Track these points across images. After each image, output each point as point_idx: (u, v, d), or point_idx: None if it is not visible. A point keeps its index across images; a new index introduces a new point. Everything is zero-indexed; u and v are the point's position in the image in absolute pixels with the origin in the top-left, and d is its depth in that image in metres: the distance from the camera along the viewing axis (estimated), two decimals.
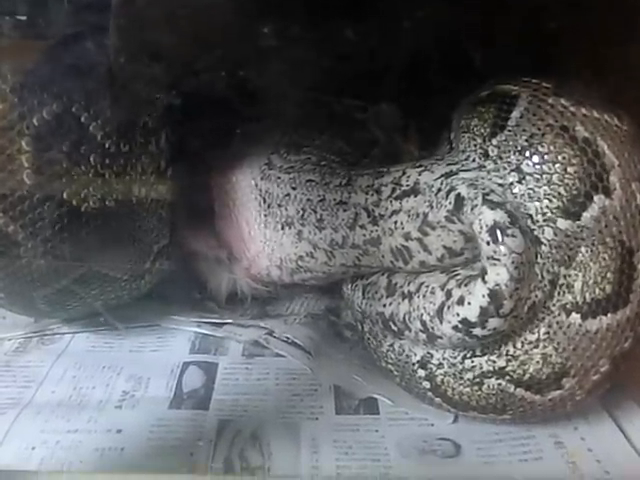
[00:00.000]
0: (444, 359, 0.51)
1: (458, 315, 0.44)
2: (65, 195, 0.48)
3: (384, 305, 0.53)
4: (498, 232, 0.42)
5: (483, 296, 0.43)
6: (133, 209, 0.53)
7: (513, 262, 0.42)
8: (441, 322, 0.46)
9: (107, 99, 0.49)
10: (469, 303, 0.44)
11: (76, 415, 0.53)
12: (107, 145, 0.49)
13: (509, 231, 0.42)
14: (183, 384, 0.57)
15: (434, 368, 0.51)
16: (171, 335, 0.64)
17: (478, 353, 0.49)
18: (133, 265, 0.56)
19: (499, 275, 0.42)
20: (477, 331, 0.44)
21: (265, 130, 0.64)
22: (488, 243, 0.42)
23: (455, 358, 0.50)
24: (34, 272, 0.51)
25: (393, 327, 0.52)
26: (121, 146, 0.50)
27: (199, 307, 0.66)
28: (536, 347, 0.46)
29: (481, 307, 0.43)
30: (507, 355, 0.47)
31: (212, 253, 0.63)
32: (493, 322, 0.43)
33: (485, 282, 0.42)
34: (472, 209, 0.43)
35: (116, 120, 0.50)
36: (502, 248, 0.42)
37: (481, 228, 0.42)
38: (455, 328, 0.45)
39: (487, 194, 0.43)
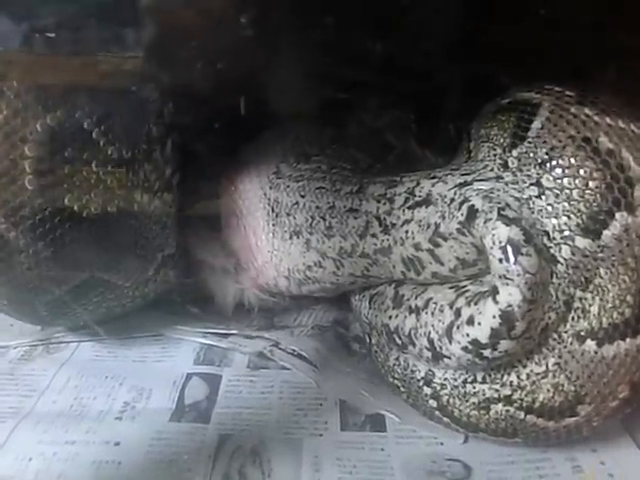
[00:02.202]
0: (446, 380, 0.48)
1: (468, 335, 0.41)
2: (67, 201, 0.46)
3: (390, 317, 0.51)
4: (512, 250, 0.39)
5: (494, 317, 0.39)
6: (136, 216, 0.51)
7: (526, 283, 0.39)
8: (450, 342, 0.43)
9: (111, 106, 0.47)
10: (479, 323, 0.40)
11: (75, 426, 0.50)
12: (109, 152, 0.47)
13: (524, 249, 0.39)
14: (185, 396, 0.54)
15: (438, 387, 0.49)
16: (175, 345, 0.61)
17: (479, 379, 0.46)
18: (136, 273, 0.54)
19: (511, 296, 0.39)
20: (487, 353, 0.41)
21: (274, 139, 0.62)
22: (500, 261, 0.39)
23: (456, 380, 0.47)
24: (35, 279, 0.49)
25: (397, 340, 0.50)
26: (123, 153, 0.48)
27: (205, 317, 0.64)
28: (544, 377, 0.43)
29: (492, 328, 0.40)
30: (511, 385, 0.45)
31: (219, 263, 0.61)
32: (504, 344, 0.40)
33: (496, 302, 0.39)
34: (485, 222, 0.40)
35: (119, 127, 0.48)
36: (515, 267, 0.38)
37: (493, 244, 0.39)
38: (465, 349, 0.42)
39: (503, 208, 0.40)
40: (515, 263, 0.38)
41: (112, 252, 0.51)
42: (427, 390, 0.50)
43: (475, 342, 0.41)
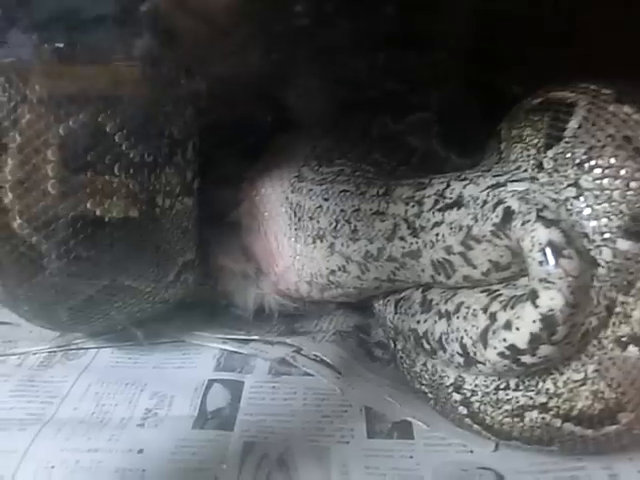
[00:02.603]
0: (477, 386, 0.47)
1: (505, 341, 0.40)
2: (89, 205, 0.45)
3: (418, 321, 0.49)
4: (553, 252, 0.37)
5: (534, 321, 0.38)
6: (157, 220, 0.49)
7: (569, 286, 0.37)
8: (485, 347, 0.41)
9: (132, 109, 0.46)
10: (517, 328, 0.39)
11: (97, 433, 0.49)
12: (132, 155, 0.46)
13: (565, 252, 0.37)
14: (207, 403, 0.53)
15: (468, 394, 0.47)
16: (196, 352, 0.60)
17: (512, 386, 0.44)
18: (156, 278, 0.53)
19: (553, 300, 0.37)
20: (526, 358, 0.39)
21: (295, 142, 0.61)
22: (541, 263, 0.37)
23: (488, 387, 0.46)
24: (58, 284, 0.48)
25: (426, 345, 0.48)
26: (145, 156, 0.47)
27: (225, 323, 0.62)
28: (583, 385, 0.42)
29: (532, 333, 0.38)
30: (547, 393, 0.43)
31: (239, 268, 0.60)
32: (544, 350, 0.39)
33: (536, 306, 0.38)
34: (523, 224, 0.38)
35: (141, 130, 0.47)
36: (557, 270, 0.37)
37: (533, 246, 0.38)
38: (501, 355, 0.40)
39: (541, 209, 0.39)
40: (556, 266, 0.37)
41: (133, 257, 0.50)
42: (457, 397, 0.48)
43: (513, 348, 0.40)
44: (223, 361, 0.59)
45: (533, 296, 0.38)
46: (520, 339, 0.39)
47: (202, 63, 0.55)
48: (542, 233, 0.38)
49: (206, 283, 0.60)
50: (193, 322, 0.63)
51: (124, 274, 0.50)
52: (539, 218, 0.38)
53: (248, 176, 0.59)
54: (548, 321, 0.38)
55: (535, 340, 0.38)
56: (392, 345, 0.56)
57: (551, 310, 0.38)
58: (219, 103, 0.57)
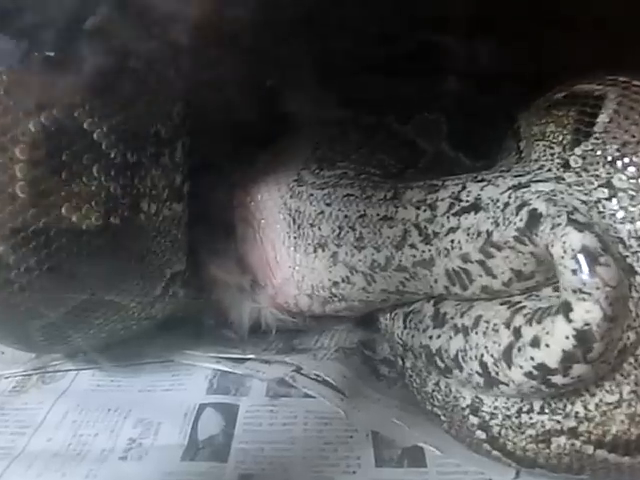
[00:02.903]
0: (496, 408, 0.42)
1: (532, 359, 0.35)
2: (64, 211, 0.40)
3: (430, 337, 0.45)
4: (587, 259, 0.33)
5: (567, 337, 0.33)
6: (142, 228, 0.45)
7: (607, 297, 0.32)
8: (509, 366, 0.37)
9: (114, 105, 0.41)
10: (547, 345, 0.34)
11: (73, 468, 0.44)
12: (112, 155, 0.41)
13: (602, 259, 0.33)
14: (199, 430, 0.48)
15: (487, 417, 0.43)
16: (186, 373, 0.55)
17: (537, 409, 0.40)
18: (142, 292, 0.48)
19: (590, 313, 0.33)
20: (557, 379, 0.35)
21: (293, 145, 0.57)
22: (574, 272, 0.33)
23: (509, 410, 0.41)
24: (29, 299, 0.43)
25: (439, 363, 0.44)
26: (128, 157, 0.42)
27: (218, 341, 0.57)
28: (618, 407, 0.37)
29: (564, 351, 0.34)
30: (577, 417, 0.38)
31: (233, 280, 0.55)
32: (578, 369, 0.34)
33: (570, 321, 0.33)
34: (552, 228, 0.34)
35: (123, 127, 0.42)
36: (594, 280, 0.32)
37: (565, 253, 0.33)
38: (528, 375, 0.36)
39: (571, 212, 0.34)
40: (593, 274, 0.32)
41: (115, 269, 0.45)
42: (474, 420, 0.43)
43: (542, 367, 0.35)
44: (216, 382, 0.54)
45: (566, 309, 0.34)
46: (551, 357, 0.34)
47: (192, 58, 0.50)
48: (575, 238, 0.33)
49: (197, 297, 0.56)
50: (183, 340, 0.58)
51: (105, 288, 0.45)
52: (570, 221, 0.34)
53: (243, 180, 0.55)
54: (583, 337, 0.33)
55: (568, 359, 0.34)
56: (400, 363, 0.51)
57: (587, 324, 0.33)
58: (211, 101, 0.53)
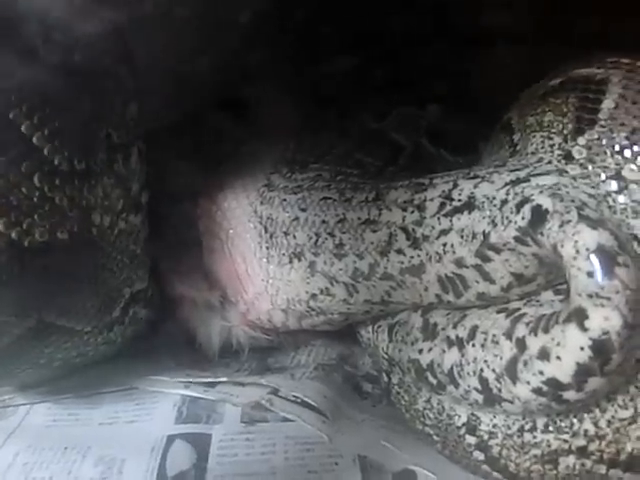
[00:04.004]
0: (495, 426, 0.38)
1: (542, 374, 0.31)
2: (1, 226, 0.35)
3: (419, 350, 0.40)
4: (604, 260, 0.29)
5: (582, 349, 0.29)
6: (94, 244, 0.39)
7: (627, 302, 0.29)
8: (514, 382, 0.33)
9: (56, 104, 0.36)
10: (559, 358, 0.30)
11: None
12: (56, 161, 0.36)
13: (620, 259, 0.29)
14: (167, 466, 0.42)
15: (486, 436, 0.38)
16: (152, 400, 0.49)
17: (540, 427, 0.36)
18: (97, 315, 0.43)
19: (608, 320, 0.29)
20: (570, 395, 0.31)
21: (260, 147, 0.52)
22: (590, 274, 0.29)
23: (510, 428, 0.37)
24: None
25: (431, 379, 0.39)
26: (75, 163, 0.37)
27: (186, 364, 0.52)
28: (633, 423, 0.34)
29: (579, 364, 0.30)
30: (586, 435, 0.35)
31: (201, 297, 0.50)
32: (593, 383, 0.30)
33: (585, 330, 0.29)
34: (561, 226, 0.30)
35: (68, 131, 0.37)
36: (612, 283, 0.29)
37: (577, 253, 0.29)
38: (537, 391, 0.32)
39: (581, 207, 0.30)
40: (611, 277, 0.29)
41: (65, 291, 0.39)
42: (471, 439, 0.39)
43: (553, 382, 0.31)
44: (185, 410, 0.48)
45: (579, 316, 0.29)
46: (563, 371, 0.30)
47: (148, 55, 0.45)
48: (589, 236, 0.29)
49: (161, 317, 0.51)
50: (147, 365, 0.52)
51: (53, 312, 0.40)
52: (582, 218, 0.30)
53: (208, 187, 0.50)
54: (601, 347, 0.29)
55: (583, 372, 0.30)
56: (385, 379, 0.47)
57: (605, 333, 0.29)
58: (169, 102, 0.48)
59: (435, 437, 0.42)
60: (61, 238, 0.37)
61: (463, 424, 0.39)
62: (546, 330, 0.32)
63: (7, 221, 0.35)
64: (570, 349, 0.30)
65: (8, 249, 0.35)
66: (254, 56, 0.52)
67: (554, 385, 0.31)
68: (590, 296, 0.29)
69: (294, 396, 0.48)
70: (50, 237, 0.36)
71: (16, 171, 0.35)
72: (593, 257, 0.29)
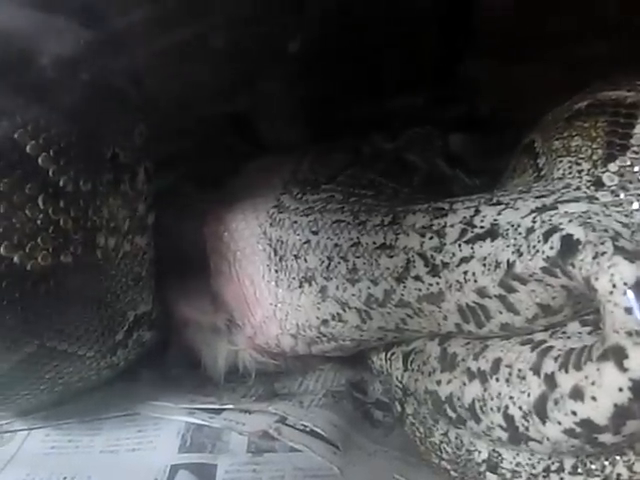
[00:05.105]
0: (519, 465, 0.35)
1: (575, 414, 0.29)
2: (2, 250, 0.33)
3: (438, 382, 0.38)
4: None
5: (620, 389, 0.27)
6: (98, 266, 0.38)
7: None
8: (543, 422, 0.30)
9: (60, 124, 0.34)
10: (594, 399, 0.28)
11: None
12: (61, 183, 0.35)
13: None
14: None
15: (508, 475, 0.36)
16: (155, 428, 0.47)
17: (568, 469, 0.34)
18: (100, 338, 0.41)
19: None
20: (606, 437, 0.29)
21: (271, 168, 0.50)
22: (629, 311, 0.27)
23: (534, 467, 0.35)
24: None
25: (450, 412, 0.37)
26: (81, 184, 0.36)
27: (190, 389, 0.50)
28: None
29: (616, 405, 0.27)
30: (619, 479, 0.32)
31: (207, 320, 0.48)
32: (632, 425, 0.28)
33: (625, 370, 0.27)
34: (595, 257, 0.28)
35: (74, 151, 0.35)
36: None
37: (614, 288, 0.27)
38: (569, 432, 0.29)
39: (615, 238, 0.28)
40: None
41: (67, 315, 0.38)
42: (492, 477, 0.37)
43: (587, 423, 0.29)
44: (190, 438, 0.46)
45: (618, 355, 0.27)
46: (599, 413, 0.28)
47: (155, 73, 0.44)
48: (626, 270, 0.27)
49: (166, 340, 0.49)
50: (151, 390, 0.50)
51: (56, 337, 0.38)
52: (617, 249, 0.28)
53: (216, 208, 0.48)
54: None
55: (621, 414, 0.28)
56: (399, 408, 0.44)
57: None
58: (178, 122, 0.46)
59: (452, 472, 0.40)
60: (64, 261, 0.35)
61: (483, 460, 0.37)
62: (578, 367, 0.30)
63: (9, 244, 0.33)
64: (607, 389, 0.28)
65: (9, 273, 0.33)
66: (263, 80, 0.50)
67: (589, 427, 0.29)
68: (629, 334, 0.27)
69: (303, 425, 0.46)
70: (53, 261, 0.35)
71: (20, 192, 0.33)
72: (630, 292, 0.27)
